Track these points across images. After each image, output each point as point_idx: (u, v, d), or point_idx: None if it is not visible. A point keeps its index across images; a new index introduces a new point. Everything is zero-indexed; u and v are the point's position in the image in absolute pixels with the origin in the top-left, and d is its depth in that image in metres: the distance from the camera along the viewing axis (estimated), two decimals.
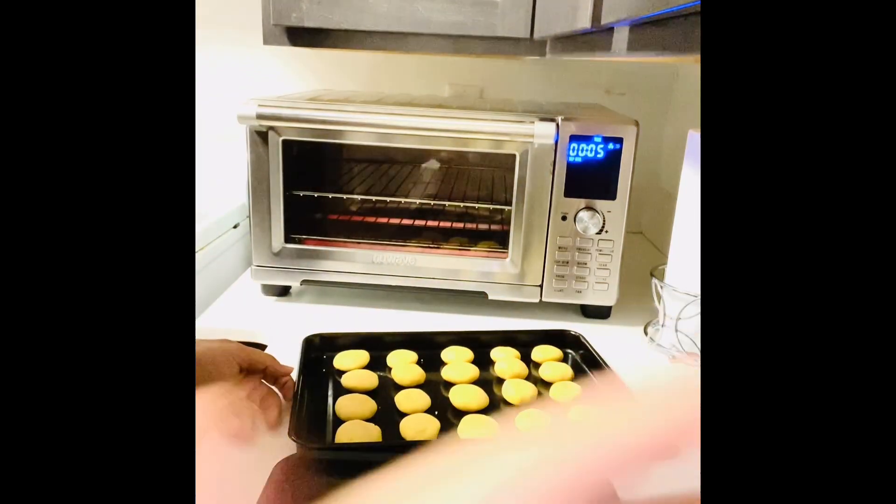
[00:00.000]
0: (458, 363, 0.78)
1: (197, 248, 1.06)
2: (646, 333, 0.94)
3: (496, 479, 0.22)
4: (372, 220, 1.13)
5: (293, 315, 0.96)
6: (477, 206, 1.13)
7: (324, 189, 1.07)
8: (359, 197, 1.13)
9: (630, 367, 0.81)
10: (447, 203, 1.13)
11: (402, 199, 1.14)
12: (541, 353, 0.83)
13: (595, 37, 0.61)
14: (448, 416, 0.69)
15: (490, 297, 0.96)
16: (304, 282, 0.97)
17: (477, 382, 0.75)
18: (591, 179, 0.90)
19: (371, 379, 0.74)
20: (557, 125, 0.89)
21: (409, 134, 0.91)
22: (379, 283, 0.97)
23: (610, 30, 0.55)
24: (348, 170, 1.21)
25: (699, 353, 0.85)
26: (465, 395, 0.71)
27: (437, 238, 1.07)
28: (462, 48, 0.97)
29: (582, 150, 0.89)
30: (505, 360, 0.80)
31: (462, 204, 1.11)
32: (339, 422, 0.66)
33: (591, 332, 0.87)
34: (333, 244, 0.98)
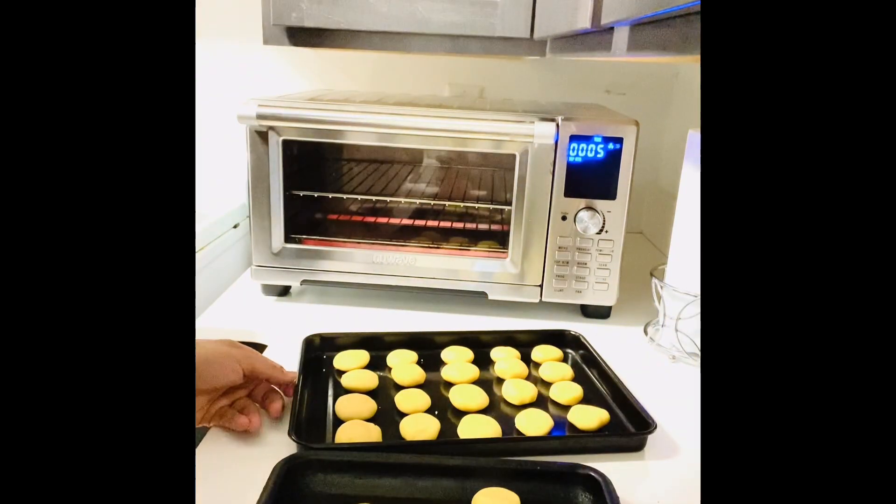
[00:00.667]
0: (458, 363, 0.78)
1: (197, 248, 1.06)
2: (646, 333, 0.94)
3: None
4: (372, 219, 1.13)
5: (293, 315, 0.96)
6: (477, 206, 1.13)
7: (324, 189, 1.07)
8: (359, 197, 1.13)
9: (630, 367, 0.81)
10: (447, 203, 1.13)
11: (402, 199, 1.14)
12: (541, 353, 0.83)
13: (595, 37, 0.61)
14: (448, 416, 0.69)
15: (490, 297, 0.96)
16: (304, 282, 0.97)
17: (477, 382, 0.75)
18: (591, 179, 0.90)
19: (371, 379, 0.74)
20: (557, 125, 0.89)
21: (409, 134, 0.91)
22: (379, 283, 0.97)
23: (610, 30, 0.55)
24: (348, 170, 1.21)
25: (699, 353, 0.85)
26: (466, 395, 0.71)
27: (437, 238, 1.07)
28: (462, 48, 0.97)
29: (582, 150, 0.89)
30: (505, 360, 0.80)
31: (462, 204, 1.11)
32: (339, 422, 0.66)
33: (591, 332, 0.87)
34: (333, 244, 0.98)
